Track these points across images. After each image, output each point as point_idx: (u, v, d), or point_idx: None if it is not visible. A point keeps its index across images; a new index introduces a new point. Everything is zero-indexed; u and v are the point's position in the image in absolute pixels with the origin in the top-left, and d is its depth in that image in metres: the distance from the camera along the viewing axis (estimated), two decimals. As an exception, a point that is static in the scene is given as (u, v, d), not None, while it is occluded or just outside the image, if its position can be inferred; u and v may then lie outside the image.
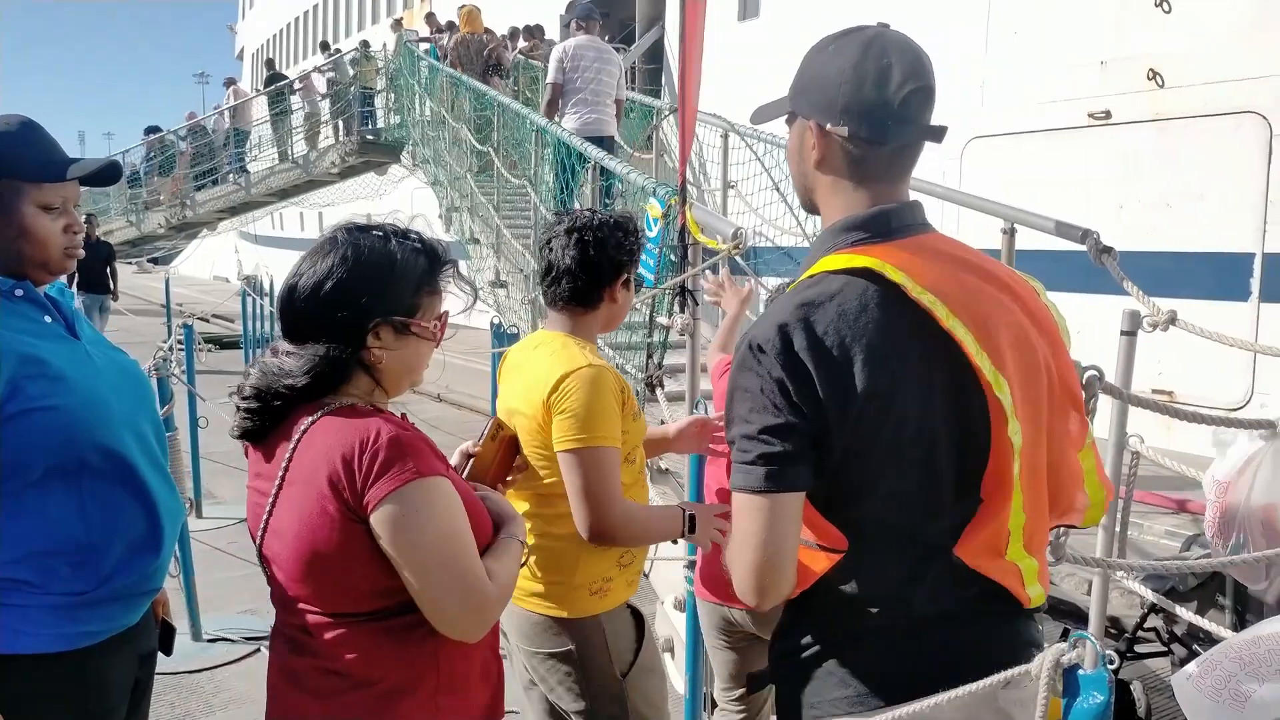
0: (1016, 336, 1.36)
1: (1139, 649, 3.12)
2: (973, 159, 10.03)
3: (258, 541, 1.60)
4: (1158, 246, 8.62)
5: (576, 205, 6.48)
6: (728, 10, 13.02)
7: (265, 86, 16.26)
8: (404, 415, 1.62)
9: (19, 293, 1.71)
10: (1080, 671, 1.07)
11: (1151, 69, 8.37)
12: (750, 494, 1.28)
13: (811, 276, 1.35)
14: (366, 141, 14.55)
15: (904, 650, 1.32)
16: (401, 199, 16.24)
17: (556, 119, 7.28)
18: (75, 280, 11.75)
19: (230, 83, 16.94)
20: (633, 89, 14.44)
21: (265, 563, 1.61)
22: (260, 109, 16.11)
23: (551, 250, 2.27)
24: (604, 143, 7.09)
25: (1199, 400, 8.68)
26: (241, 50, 41.12)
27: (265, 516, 1.57)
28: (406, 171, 14.45)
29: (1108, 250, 3.07)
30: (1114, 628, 3.68)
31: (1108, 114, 8.79)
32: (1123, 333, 2.89)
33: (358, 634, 1.53)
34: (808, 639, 1.38)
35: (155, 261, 37.18)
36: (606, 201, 6.66)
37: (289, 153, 15.61)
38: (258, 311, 11.46)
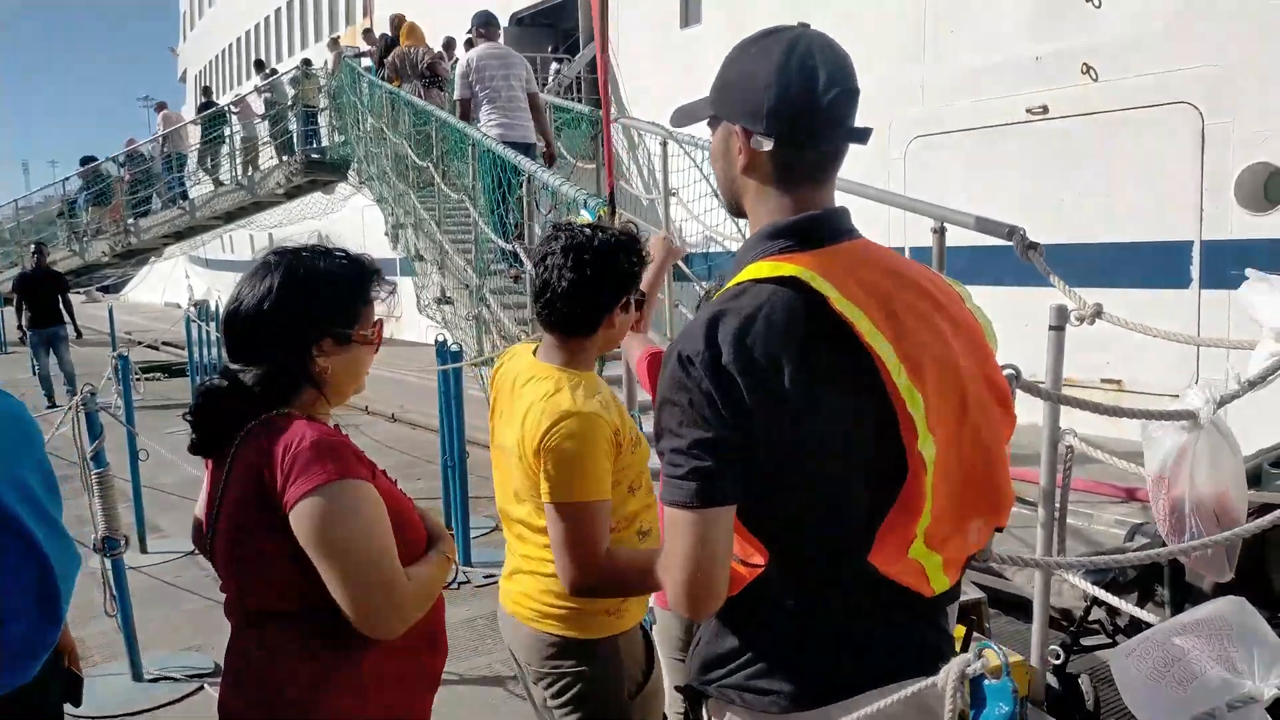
0: (938, 346, 1.35)
1: (1085, 641, 3.14)
2: (916, 158, 10.13)
3: (208, 547, 1.69)
4: (1100, 238, 8.75)
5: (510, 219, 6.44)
6: (670, 17, 13.06)
7: (199, 113, 16.07)
8: (336, 425, 1.71)
9: None
10: (986, 682, 1.05)
11: (1085, 63, 8.50)
12: (683, 509, 1.28)
13: (739, 285, 1.33)
14: (312, 161, 14.39)
15: (823, 658, 1.34)
16: (351, 217, 16.09)
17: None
18: (22, 316, 11.30)
19: (160, 107, 16.69)
20: (578, 99, 14.44)
21: (215, 564, 1.70)
22: (198, 133, 15.90)
23: (546, 268, 2.12)
24: (524, 149, 7.05)
25: (1147, 387, 8.83)
26: (184, 73, 40.59)
27: (211, 522, 1.65)
28: (354, 189, 14.32)
29: (1034, 246, 3.09)
30: (1066, 620, 3.70)
31: (1045, 109, 8.91)
32: (1051, 328, 2.90)
33: (284, 632, 1.61)
34: (729, 648, 1.39)
35: (106, 290, 36.56)
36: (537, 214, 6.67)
37: (222, 179, 15.46)
38: (203, 337, 11.29)
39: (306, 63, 15.42)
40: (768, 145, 1.32)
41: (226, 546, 1.64)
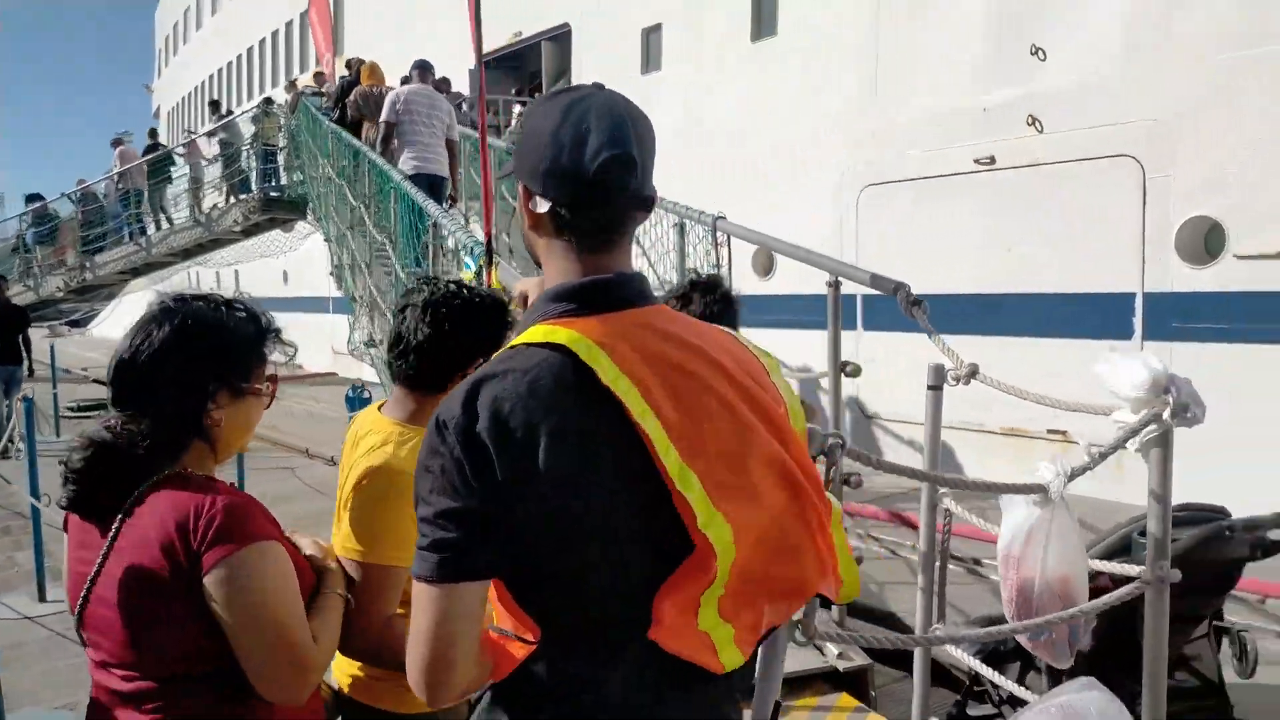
0: (727, 423, 1.27)
1: (972, 712, 3.01)
2: (868, 206, 10.14)
3: (78, 610, 1.62)
4: (1047, 288, 8.75)
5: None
6: (631, 63, 13.12)
7: (144, 154, 16.00)
8: (231, 484, 1.69)
9: None
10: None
11: (1031, 114, 8.55)
12: (424, 583, 1.22)
13: (511, 349, 1.28)
14: (270, 199, 14.30)
15: None
16: (313, 254, 15.98)
17: (392, 159, 7.90)
18: None
19: (117, 143, 16.59)
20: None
21: (85, 630, 1.63)
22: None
23: (403, 320, 2.06)
24: (437, 181, 7.75)
25: (1093, 438, 8.79)
26: (158, 109, 40.58)
27: (88, 585, 1.58)
28: (312, 228, 14.22)
29: (918, 303, 3.00)
30: (976, 684, 3.58)
31: (992, 159, 8.95)
32: (929, 387, 2.81)
33: (182, 698, 1.56)
34: None
35: (74, 325, 36.24)
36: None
37: (174, 218, 15.37)
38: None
39: (268, 100, 15.38)
40: (543, 207, 1.29)
41: (116, 616, 1.57)
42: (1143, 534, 2.18)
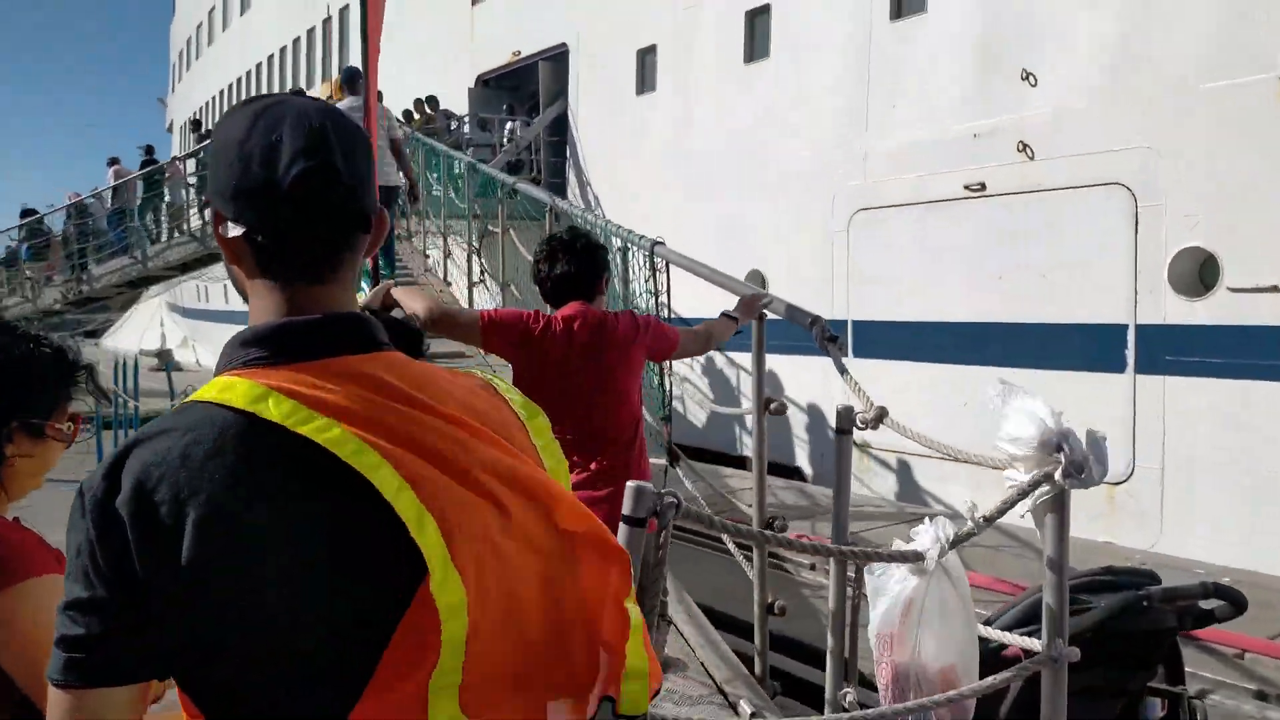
0: (464, 493, 1.04)
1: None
2: (859, 231, 9.97)
3: None
4: (1036, 318, 8.54)
5: None
6: (626, 83, 13.02)
7: (140, 169, 16.05)
8: (15, 519, 1.62)
9: None
10: None
11: (1021, 141, 8.37)
12: (52, 686, 1.00)
13: (182, 404, 1.05)
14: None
15: None
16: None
17: None
18: None
19: (113, 162, 16.67)
20: (536, 159, 14.37)
21: None
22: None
23: None
24: (387, 191, 7.93)
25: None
26: (171, 123, 40.79)
27: None
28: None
29: (833, 339, 2.82)
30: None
31: (983, 186, 8.76)
32: (837, 431, 2.62)
33: None
34: None
35: (89, 335, 36.42)
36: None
37: (160, 235, 15.41)
38: (133, 389, 10.98)
39: (196, 125, 15.30)
40: (235, 231, 1.07)
41: None
42: (1084, 589, 1.98)
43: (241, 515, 0.95)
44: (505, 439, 1.11)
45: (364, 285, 3.74)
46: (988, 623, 2.04)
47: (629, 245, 4.24)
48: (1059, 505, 1.70)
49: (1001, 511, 1.67)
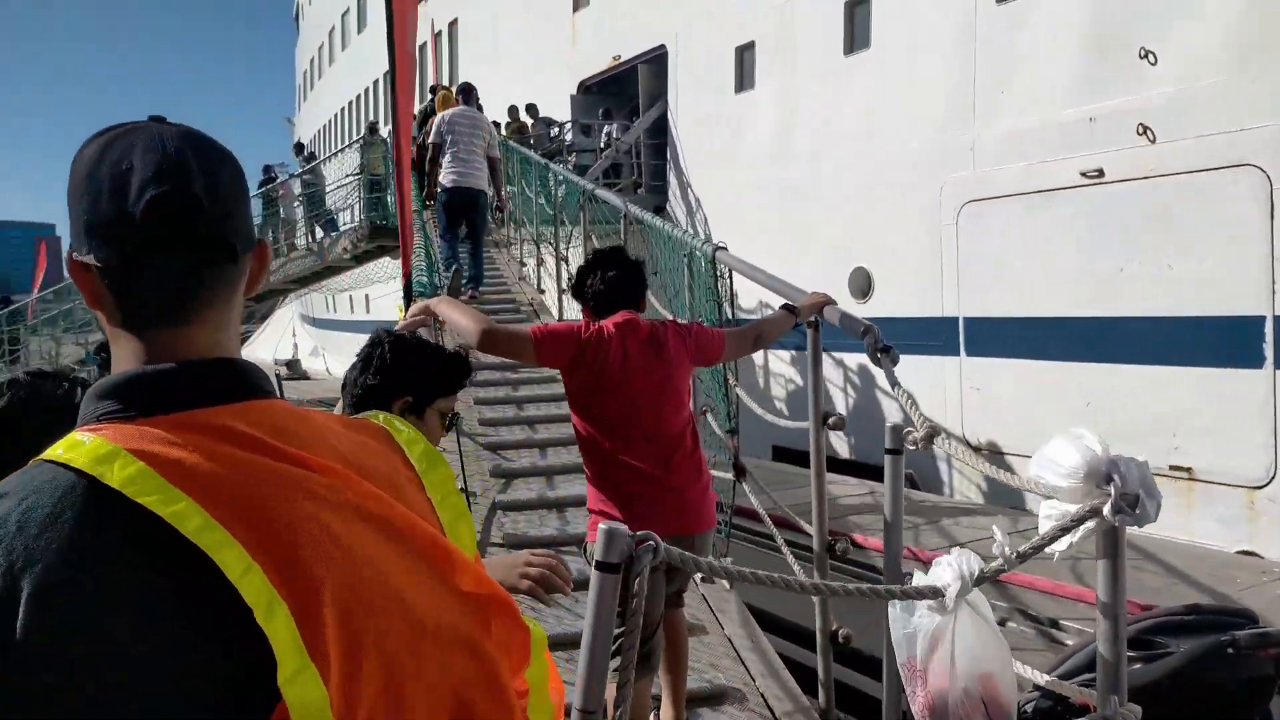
0: (338, 558, 0.92)
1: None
2: (969, 223, 9.54)
3: None
4: (1161, 311, 8.00)
5: None
6: (726, 84, 12.84)
7: (259, 188, 16.77)
8: None
9: None
10: None
11: (1141, 124, 7.84)
12: None
13: (32, 463, 0.94)
14: (376, 227, 14.59)
15: None
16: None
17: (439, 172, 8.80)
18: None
19: None
20: (637, 164, 14.33)
21: None
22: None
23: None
24: (475, 194, 8.62)
25: (1220, 475, 7.95)
26: (298, 141, 42.49)
27: None
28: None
29: (886, 350, 2.60)
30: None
31: (1100, 172, 8.26)
32: (887, 451, 2.41)
33: None
34: None
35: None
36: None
37: (280, 251, 16.07)
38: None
39: (372, 129, 15.75)
40: (91, 261, 0.96)
41: None
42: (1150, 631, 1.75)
43: (81, 588, 0.84)
44: (393, 491, 0.99)
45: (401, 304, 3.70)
46: (1055, 668, 1.83)
47: (693, 251, 4.10)
48: (1111, 544, 1.48)
49: (1038, 548, 1.47)
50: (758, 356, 11.90)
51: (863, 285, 10.86)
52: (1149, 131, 7.84)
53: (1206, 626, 2.20)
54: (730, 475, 4.18)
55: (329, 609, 0.89)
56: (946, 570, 1.44)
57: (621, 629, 1.36)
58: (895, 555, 2.37)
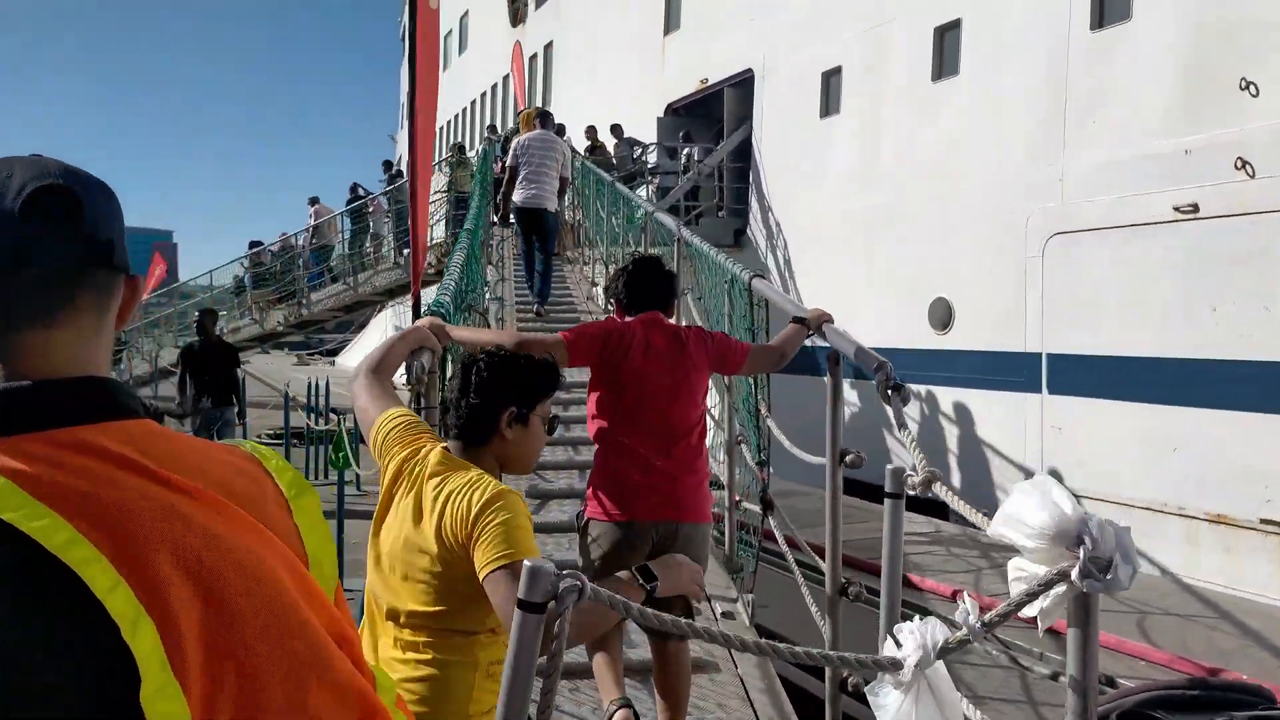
0: (211, 565, 0.90)
1: None
2: (1055, 256, 9.21)
3: None
4: (1258, 354, 7.57)
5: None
6: (811, 109, 12.71)
7: (348, 205, 17.28)
8: None
9: None
10: None
11: (1240, 157, 7.46)
12: None
13: None
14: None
15: None
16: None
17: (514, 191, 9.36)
18: (185, 392, 9.89)
19: (313, 201, 18.13)
20: (719, 187, 14.28)
21: None
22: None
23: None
24: (544, 213, 9.09)
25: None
26: (401, 157, 43.66)
27: None
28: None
29: (897, 389, 2.45)
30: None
31: (1195, 207, 7.88)
32: (886, 495, 2.27)
33: None
34: None
35: (329, 354, 39.55)
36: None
37: (360, 265, 16.53)
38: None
39: (459, 149, 16.06)
40: None
41: None
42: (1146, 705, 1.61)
43: None
44: (261, 517, 0.96)
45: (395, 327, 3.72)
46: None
47: (734, 278, 4.03)
48: (1082, 612, 1.35)
49: (1005, 616, 1.34)
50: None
51: (943, 316, 10.57)
52: (1248, 166, 7.46)
53: (1212, 704, 2.00)
54: (758, 508, 4.09)
55: (193, 627, 0.87)
56: (909, 639, 1.32)
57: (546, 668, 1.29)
58: (893, 606, 2.24)
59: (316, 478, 9.71)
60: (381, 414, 2.28)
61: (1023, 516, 1.31)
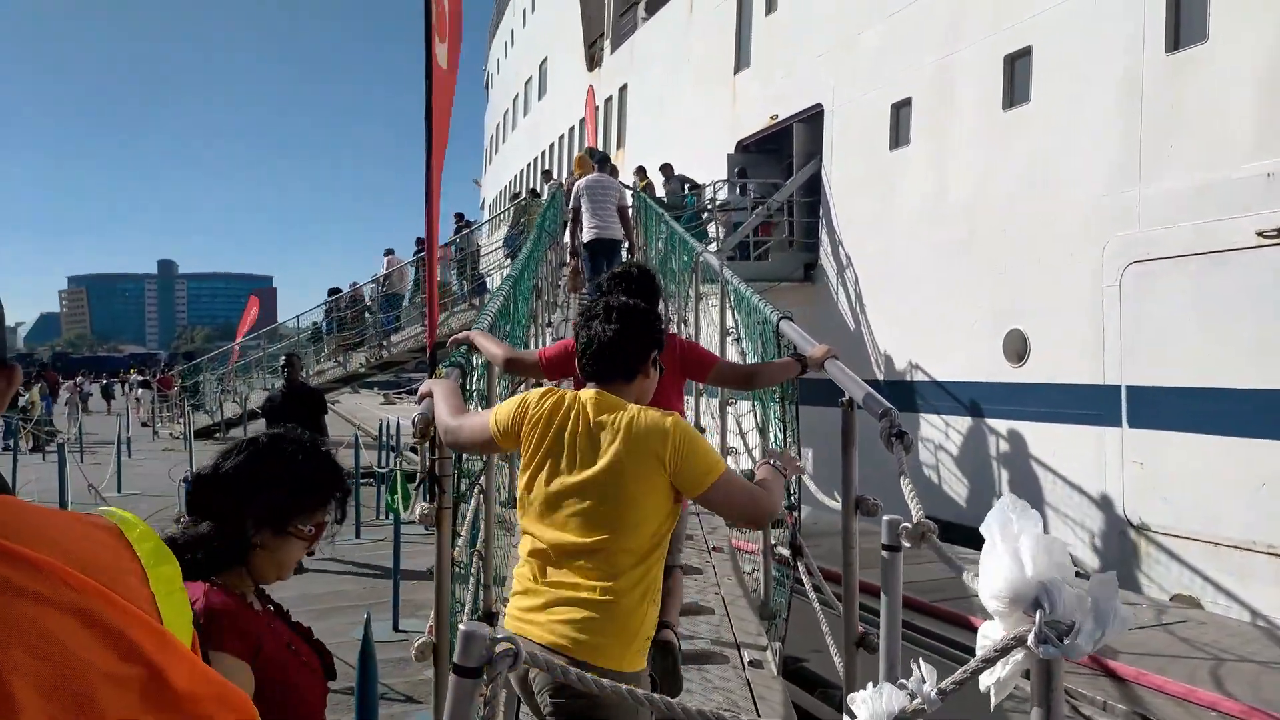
0: (58, 638, 0.90)
1: None
2: (1133, 285, 8.90)
3: None
4: (1354, 387, 7.17)
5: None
6: (880, 141, 12.58)
7: (415, 255, 17.74)
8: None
9: None
10: None
11: (1326, 179, 7.13)
12: None
13: None
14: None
15: None
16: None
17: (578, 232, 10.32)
18: None
19: (388, 252, 18.78)
20: (790, 222, 14.22)
21: None
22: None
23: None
24: (611, 243, 9.90)
25: None
26: (483, 201, 44.66)
27: None
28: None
29: (900, 436, 2.33)
30: None
31: (1279, 232, 7.54)
32: (885, 548, 2.18)
33: None
34: None
35: (411, 393, 40.37)
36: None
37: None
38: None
39: (534, 193, 16.33)
40: None
41: None
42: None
43: None
44: (112, 585, 0.95)
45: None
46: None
47: (765, 320, 3.98)
48: (1043, 681, 1.25)
49: (960, 683, 1.26)
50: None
51: (1018, 349, 10.29)
52: (1336, 187, 7.12)
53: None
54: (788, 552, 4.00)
55: (29, 698, 0.86)
56: (862, 709, 1.25)
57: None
58: (893, 664, 2.14)
59: (381, 517, 9.84)
60: (490, 412, 2.43)
61: (987, 574, 1.24)
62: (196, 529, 1.79)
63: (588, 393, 2.33)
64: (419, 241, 18.55)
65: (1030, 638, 1.19)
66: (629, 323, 2.35)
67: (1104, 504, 9.09)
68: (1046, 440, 9.95)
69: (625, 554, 2.19)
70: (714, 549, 5.57)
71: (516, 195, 20.47)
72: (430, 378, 3.11)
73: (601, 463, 2.21)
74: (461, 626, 1.29)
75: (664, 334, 2.47)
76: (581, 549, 2.21)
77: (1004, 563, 1.22)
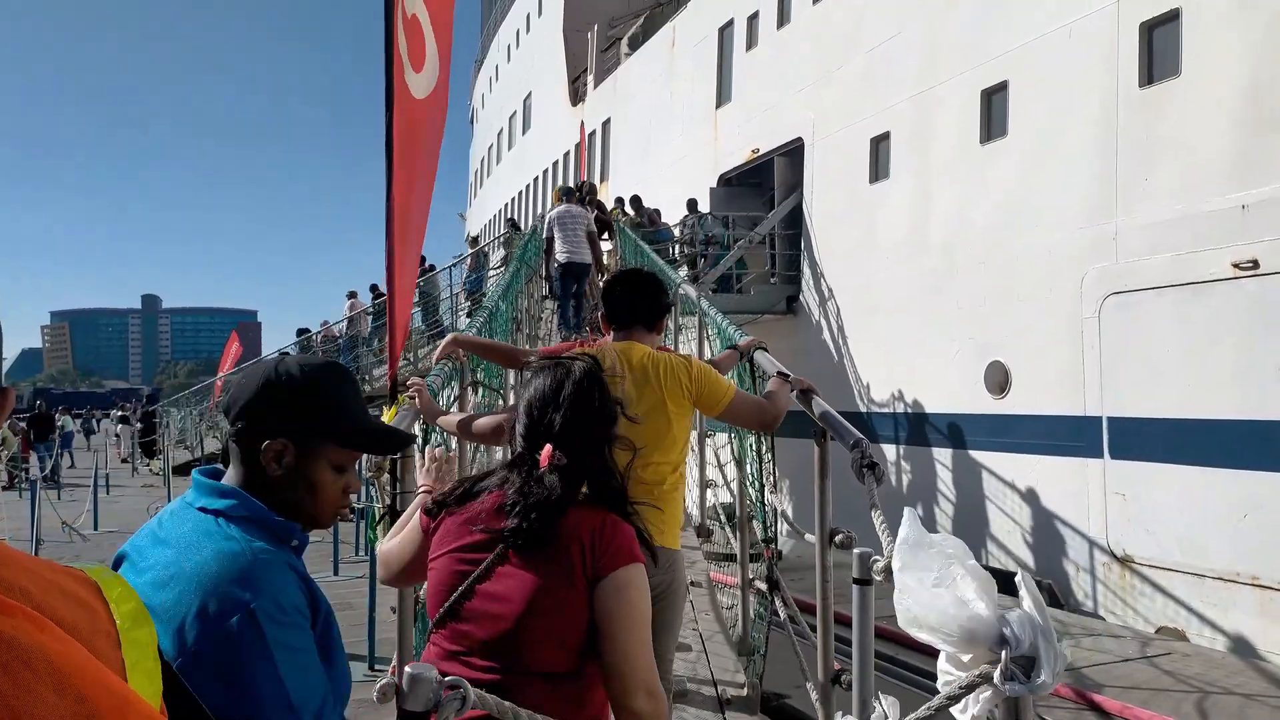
0: (25, 683, 0.85)
1: None
2: (1112, 316, 8.94)
3: (452, 603, 1.78)
4: (1331, 417, 7.19)
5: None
6: (860, 175, 12.67)
7: (374, 301, 17.70)
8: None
9: (296, 543, 1.58)
10: None
11: (1300, 210, 7.19)
12: None
13: None
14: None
15: None
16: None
17: (552, 257, 11.29)
18: None
19: (351, 295, 18.78)
20: (773, 254, 14.27)
21: (456, 622, 1.78)
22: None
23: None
24: (582, 266, 11.04)
25: None
26: (468, 234, 44.68)
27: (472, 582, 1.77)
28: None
29: (871, 467, 2.31)
30: None
31: (1255, 263, 7.60)
32: (855, 581, 2.14)
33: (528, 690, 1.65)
34: None
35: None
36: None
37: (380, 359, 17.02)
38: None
39: (514, 226, 16.35)
40: None
41: (514, 610, 1.79)
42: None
43: None
44: (86, 642, 0.91)
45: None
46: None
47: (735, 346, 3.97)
48: (1011, 716, 1.22)
49: (925, 719, 1.22)
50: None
51: (1000, 380, 10.30)
52: (1309, 218, 7.19)
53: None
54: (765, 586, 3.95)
55: None
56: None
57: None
58: (865, 699, 2.10)
59: (361, 553, 9.72)
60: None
61: (938, 616, 1.20)
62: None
63: (619, 344, 2.90)
64: (373, 288, 18.49)
65: (996, 676, 1.15)
66: (651, 281, 3.02)
67: (1087, 536, 9.07)
68: (1029, 472, 9.94)
69: (667, 465, 2.76)
70: (691, 584, 5.50)
71: (476, 240, 20.50)
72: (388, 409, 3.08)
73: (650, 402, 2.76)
74: (407, 669, 1.24)
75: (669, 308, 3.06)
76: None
77: (957, 602, 1.18)
